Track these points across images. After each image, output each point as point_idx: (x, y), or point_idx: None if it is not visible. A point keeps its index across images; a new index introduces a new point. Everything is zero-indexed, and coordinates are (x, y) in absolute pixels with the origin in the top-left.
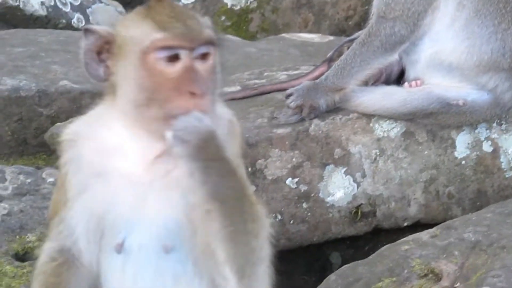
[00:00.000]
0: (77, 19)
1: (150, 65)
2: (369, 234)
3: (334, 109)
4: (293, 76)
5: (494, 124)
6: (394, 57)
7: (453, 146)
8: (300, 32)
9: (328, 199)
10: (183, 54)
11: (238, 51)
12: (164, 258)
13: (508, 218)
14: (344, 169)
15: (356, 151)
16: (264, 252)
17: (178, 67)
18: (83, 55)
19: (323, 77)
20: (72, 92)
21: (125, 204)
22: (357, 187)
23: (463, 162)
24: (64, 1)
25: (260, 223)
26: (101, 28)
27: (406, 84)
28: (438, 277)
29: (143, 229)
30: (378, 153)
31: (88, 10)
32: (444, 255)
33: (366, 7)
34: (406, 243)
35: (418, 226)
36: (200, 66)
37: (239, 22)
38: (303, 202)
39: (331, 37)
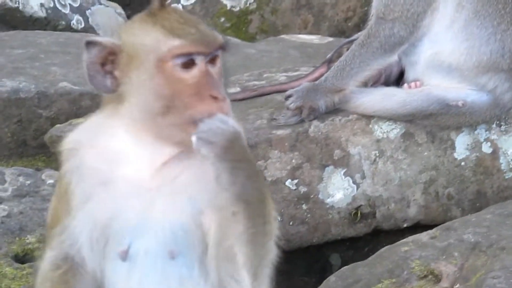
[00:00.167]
0: (76, 20)
1: (167, 72)
2: (368, 235)
3: (334, 110)
4: (293, 77)
5: (494, 125)
6: (394, 58)
7: (453, 147)
8: (299, 33)
9: (328, 200)
10: (199, 59)
11: (237, 52)
12: (170, 264)
13: (507, 219)
14: (344, 170)
15: (356, 152)
16: (273, 254)
17: (194, 72)
18: (86, 68)
19: (323, 78)
20: (71, 93)
21: (131, 211)
22: (357, 188)
23: (463, 163)
24: (63, 3)
25: (274, 224)
26: (105, 39)
27: (405, 85)
28: (437, 278)
29: (150, 235)
30: (377, 154)
31: (87, 12)
32: (444, 256)
33: (366, 8)
34: (406, 244)
35: (417, 227)
36: (211, 69)
37: (238, 24)
38: (302, 204)
39: (331, 39)
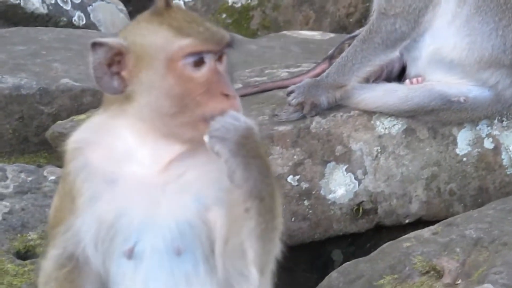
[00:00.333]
0: (78, 17)
1: (178, 72)
2: (370, 231)
3: (335, 106)
4: (294, 73)
5: (495, 121)
6: (395, 54)
7: (455, 143)
8: (301, 29)
9: (330, 196)
10: (208, 57)
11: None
12: (176, 260)
13: (509, 214)
14: (346, 166)
15: (358, 148)
16: (278, 249)
17: (204, 71)
18: (93, 70)
19: (324, 74)
20: (73, 90)
21: (137, 209)
22: (359, 184)
23: (465, 159)
24: None
25: (281, 219)
26: (111, 40)
27: (407, 81)
28: (439, 274)
29: (156, 232)
30: (379, 150)
31: (89, 8)
32: (446, 252)
33: (367, 4)
34: (408, 240)
35: (419, 223)
36: (219, 67)
37: (240, 20)
38: (304, 200)
39: (332, 34)
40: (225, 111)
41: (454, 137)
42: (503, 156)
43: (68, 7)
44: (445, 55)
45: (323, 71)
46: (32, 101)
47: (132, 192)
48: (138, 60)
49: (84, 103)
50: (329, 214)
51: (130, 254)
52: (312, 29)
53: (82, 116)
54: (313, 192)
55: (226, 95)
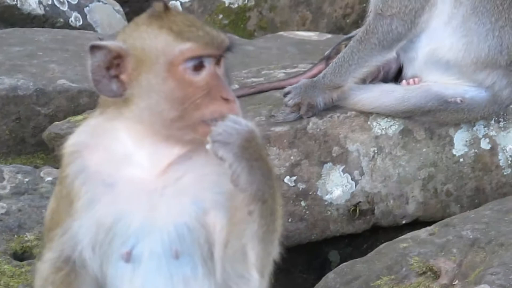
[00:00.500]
0: (74, 18)
1: (178, 76)
2: (367, 232)
3: (332, 107)
4: (291, 74)
5: (492, 122)
6: (392, 54)
7: (451, 143)
8: (298, 30)
9: (327, 197)
10: (208, 61)
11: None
12: (174, 264)
13: (506, 215)
14: (342, 167)
15: (354, 149)
16: (277, 250)
17: (204, 75)
18: (91, 73)
19: (321, 75)
20: (70, 91)
21: (135, 212)
22: (355, 185)
23: (461, 159)
24: (61, 0)
25: (281, 221)
26: (110, 43)
27: (404, 81)
28: (436, 275)
29: (154, 235)
30: (376, 151)
31: (85, 9)
32: (443, 253)
33: (364, 4)
34: (405, 241)
35: (416, 223)
36: (218, 70)
37: (236, 21)
38: (301, 200)
39: (329, 35)
40: (225, 115)
41: (450, 138)
42: (499, 157)
43: (64, 8)
44: (441, 56)
45: (320, 72)
46: (28, 102)
47: (130, 195)
48: (138, 64)
49: (81, 104)
50: (326, 215)
51: (128, 257)
52: (308, 30)
53: (79, 117)
54: (310, 193)
55: (226, 99)
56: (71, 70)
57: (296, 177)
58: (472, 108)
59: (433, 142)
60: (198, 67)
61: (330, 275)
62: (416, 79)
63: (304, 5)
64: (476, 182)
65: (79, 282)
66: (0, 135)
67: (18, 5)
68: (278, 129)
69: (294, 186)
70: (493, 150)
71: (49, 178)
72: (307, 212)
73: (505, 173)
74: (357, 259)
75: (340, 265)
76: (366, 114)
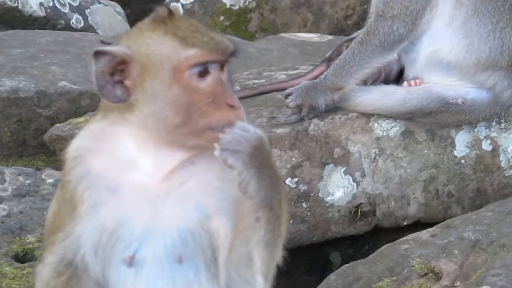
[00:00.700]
0: (75, 19)
1: (184, 82)
2: (369, 234)
3: (333, 109)
4: (292, 75)
5: (494, 123)
6: (393, 56)
7: (453, 145)
8: (299, 31)
9: (328, 198)
10: (212, 67)
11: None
12: (177, 268)
13: (507, 216)
14: (344, 168)
15: (356, 150)
16: (280, 255)
17: (209, 81)
18: (96, 78)
19: (322, 76)
20: (71, 92)
21: (139, 217)
22: (357, 187)
23: (463, 161)
24: (62, 2)
25: (285, 226)
26: (114, 49)
27: (405, 83)
28: (438, 276)
29: (157, 240)
30: (377, 153)
31: (86, 11)
32: (444, 254)
33: (365, 6)
34: (406, 242)
35: (418, 225)
36: (222, 76)
37: (238, 22)
38: (302, 202)
39: (330, 37)
40: (232, 122)
41: (452, 139)
42: (501, 158)
43: (66, 10)
44: (442, 57)
45: (321, 73)
46: (30, 104)
47: (134, 200)
48: (143, 70)
49: (82, 105)
50: (327, 216)
51: (131, 262)
52: (310, 31)
53: (80, 119)
54: (312, 195)
55: (231, 106)
56: (72, 72)
57: (297, 178)
58: (473, 110)
59: (434, 144)
60: (203, 73)
61: (332, 276)
62: (417, 81)
63: (305, 7)
64: (477, 183)
65: (80, 286)
66: (2, 137)
67: (19, 7)
68: (280, 130)
69: (295, 187)
70: (495, 151)
71: (51, 180)
72: (309, 213)
73: (506, 174)
74: (359, 261)
75: (342, 267)
76: (368, 115)
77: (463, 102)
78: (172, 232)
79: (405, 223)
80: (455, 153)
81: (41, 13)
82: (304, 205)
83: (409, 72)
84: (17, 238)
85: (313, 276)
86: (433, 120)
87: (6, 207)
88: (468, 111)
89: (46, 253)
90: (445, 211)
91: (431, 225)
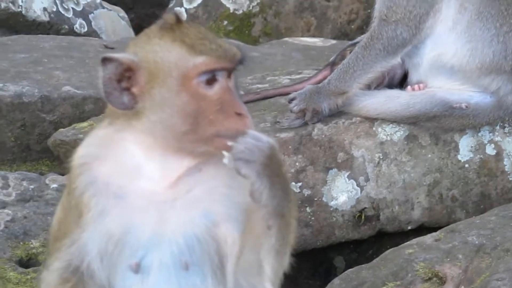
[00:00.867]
0: (79, 24)
1: (192, 90)
2: (372, 238)
3: (337, 113)
4: (296, 80)
5: (497, 127)
6: (397, 60)
7: (457, 149)
8: (302, 36)
9: (332, 203)
10: (220, 75)
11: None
12: (184, 275)
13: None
14: (348, 173)
15: (359, 155)
16: (288, 261)
17: (216, 88)
18: (103, 85)
19: (326, 81)
20: (75, 97)
21: (145, 224)
22: (361, 191)
23: (467, 165)
24: (66, 7)
25: (294, 234)
26: (121, 56)
27: (409, 87)
28: (442, 281)
29: (164, 246)
30: (381, 157)
31: (90, 16)
32: (448, 259)
33: (369, 10)
34: (410, 247)
35: (422, 229)
36: (229, 83)
37: (241, 27)
38: (306, 206)
39: (334, 41)
40: (241, 131)
41: (456, 144)
42: (505, 162)
43: (69, 14)
44: (446, 61)
45: (325, 77)
46: (34, 109)
47: (140, 207)
48: (150, 77)
49: (85, 110)
50: (331, 221)
51: (137, 268)
52: (313, 35)
53: (84, 124)
54: (315, 199)
55: (239, 114)
56: (76, 77)
57: (301, 183)
58: (477, 114)
59: (438, 148)
60: (211, 80)
61: (336, 281)
62: (421, 85)
63: (309, 11)
64: (481, 187)
65: None
66: (5, 142)
67: (23, 12)
68: (283, 135)
69: (299, 192)
70: (499, 155)
71: (54, 185)
72: (313, 218)
73: (510, 179)
74: (363, 265)
75: (346, 271)
76: (371, 120)
77: (466, 107)
78: (178, 239)
79: (409, 228)
80: (459, 157)
81: (44, 18)
82: (308, 209)
83: (412, 77)
84: (21, 243)
85: (317, 281)
86: (437, 125)
87: (10, 212)
88: (472, 115)
89: (51, 259)
90: (449, 216)
91: (435, 229)
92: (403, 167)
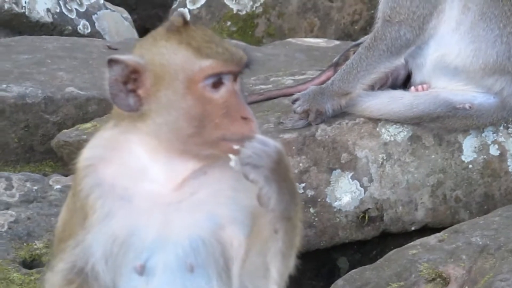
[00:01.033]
0: (83, 25)
1: (198, 93)
2: (376, 239)
3: (341, 114)
4: (299, 81)
5: (501, 128)
6: (400, 61)
7: (460, 150)
8: (306, 37)
9: (335, 204)
10: (226, 78)
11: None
12: (189, 277)
13: None
14: (351, 173)
15: (363, 155)
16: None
17: (222, 92)
18: (109, 86)
19: (329, 81)
20: (78, 98)
21: (150, 226)
22: (364, 192)
23: (470, 166)
24: (69, 8)
25: (300, 237)
26: (128, 58)
27: (412, 88)
28: (446, 281)
29: (169, 248)
30: (385, 158)
31: (93, 17)
32: (452, 259)
33: (372, 11)
34: (414, 248)
35: (425, 230)
36: (235, 87)
37: (244, 28)
38: (310, 207)
39: (337, 42)
40: (247, 136)
41: (459, 144)
42: (508, 163)
43: (73, 15)
44: (449, 62)
45: (328, 78)
46: (37, 110)
47: (146, 209)
48: (156, 79)
49: (89, 111)
50: (335, 221)
51: (142, 270)
52: (317, 36)
53: (88, 125)
54: (319, 200)
55: (245, 118)
56: (79, 78)
57: (305, 184)
58: (480, 114)
59: (441, 149)
60: (217, 84)
61: (339, 282)
62: (424, 86)
63: (312, 12)
64: (485, 188)
65: None
66: (9, 143)
67: (26, 13)
68: (287, 136)
69: (303, 193)
70: (502, 156)
71: (58, 186)
72: (316, 219)
73: None
74: (366, 266)
75: (349, 272)
76: (375, 120)
77: (470, 107)
78: (183, 241)
79: (412, 228)
80: (463, 158)
81: (48, 19)
82: (311, 210)
83: (416, 77)
84: (24, 244)
85: (320, 282)
86: (441, 125)
87: (13, 213)
88: (475, 116)
89: (56, 260)
90: (452, 216)
91: (438, 230)
92: (407, 167)
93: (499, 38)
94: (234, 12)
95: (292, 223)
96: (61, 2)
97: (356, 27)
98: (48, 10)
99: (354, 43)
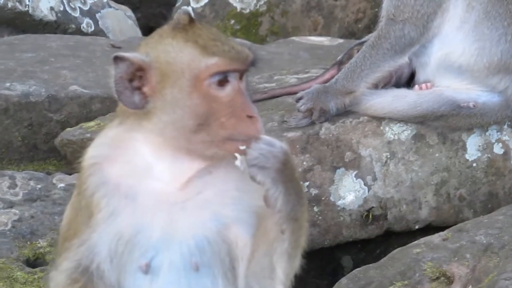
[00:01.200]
0: (86, 24)
1: (203, 91)
2: (380, 237)
3: (345, 112)
4: (303, 79)
5: (505, 126)
6: (404, 59)
7: (464, 148)
8: (309, 35)
9: (339, 202)
10: (232, 76)
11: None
12: (194, 276)
13: None
14: (355, 172)
15: (367, 154)
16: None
17: (228, 90)
18: (114, 84)
19: (333, 80)
20: (82, 97)
21: (156, 225)
22: (368, 190)
23: (474, 164)
24: (73, 6)
25: (306, 236)
26: (133, 55)
27: (416, 86)
28: (450, 280)
29: (174, 247)
30: (388, 156)
31: (97, 15)
32: (456, 258)
33: (376, 9)
34: (418, 246)
35: (429, 229)
36: (241, 85)
37: (248, 26)
38: (314, 206)
39: (341, 40)
40: (252, 135)
41: (463, 143)
42: None
43: (76, 14)
44: (454, 60)
45: (332, 77)
46: (41, 108)
47: (151, 207)
48: (162, 77)
49: (93, 110)
50: (338, 220)
51: (147, 269)
52: (320, 35)
53: (91, 123)
54: (323, 198)
55: (251, 117)
56: (83, 76)
57: (308, 182)
58: (484, 113)
59: (445, 147)
60: (223, 82)
61: (343, 280)
62: (428, 84)
63: (316, 10)
64: (489, 187)
65: None
66: (13, 142)
67: (30, 11)
68: (291, 134)
69: (306, 191)
70: (506, 154)
71: (62, 185)
72: (320, 217)
73: None
74: (370, 265)
75: (353, 271)
76: (379, 119)
77: (474, 106)
78: (188, 240)
79: (416, 227)
80: (467, 156)
81: (51, 17)
82: (315, 209)
83: (420, 76)
84: (28, 242)
85: (324, 280)
86: (445, 124)
87: (17, 211)
88: (479, 115)
89: (61, 259)
90: (456, 215)
91: (442, 228)
92: (411, 166)
93: (503, 36)
94: (238, 10)
95: (299, 223)
96: (64, 1)
97: (360, 26)
98: (51, 8)
99: (358, 41)
